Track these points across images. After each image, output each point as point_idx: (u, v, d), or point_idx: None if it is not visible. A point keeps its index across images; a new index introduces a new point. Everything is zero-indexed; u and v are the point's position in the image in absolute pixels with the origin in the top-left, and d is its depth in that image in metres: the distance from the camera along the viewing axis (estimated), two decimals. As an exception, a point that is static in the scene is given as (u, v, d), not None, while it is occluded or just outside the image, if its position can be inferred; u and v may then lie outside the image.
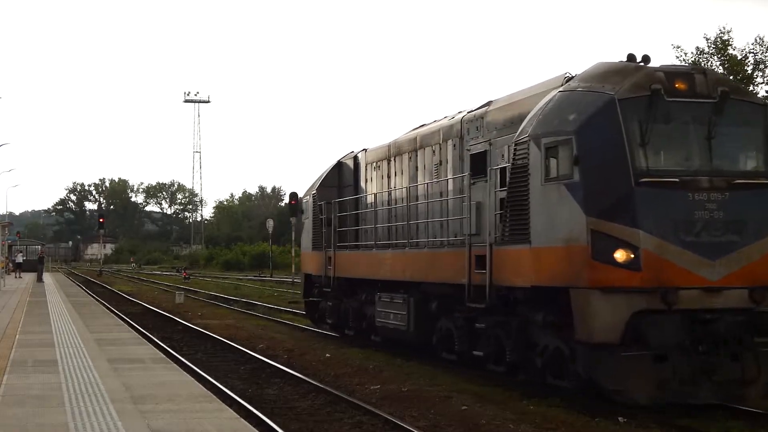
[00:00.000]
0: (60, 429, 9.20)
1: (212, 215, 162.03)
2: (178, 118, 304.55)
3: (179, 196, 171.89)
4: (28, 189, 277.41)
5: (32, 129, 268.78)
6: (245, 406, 12.09)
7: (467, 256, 14.59)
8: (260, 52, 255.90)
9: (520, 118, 13.69)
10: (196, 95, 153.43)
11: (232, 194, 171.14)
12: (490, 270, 13.78)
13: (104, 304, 32.11)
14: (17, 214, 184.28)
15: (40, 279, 52.43)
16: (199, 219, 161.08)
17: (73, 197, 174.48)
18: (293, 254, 60.60)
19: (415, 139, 18.20)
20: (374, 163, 20.18)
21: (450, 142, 16.49)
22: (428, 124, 18.19)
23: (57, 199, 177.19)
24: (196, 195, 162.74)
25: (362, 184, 20.90)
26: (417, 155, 17.91)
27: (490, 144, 14.69)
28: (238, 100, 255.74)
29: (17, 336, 18.85)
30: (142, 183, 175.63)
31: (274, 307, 32.78)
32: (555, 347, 12.77)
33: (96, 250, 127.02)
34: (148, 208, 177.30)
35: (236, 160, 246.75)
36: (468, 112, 16.13)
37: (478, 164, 14.89)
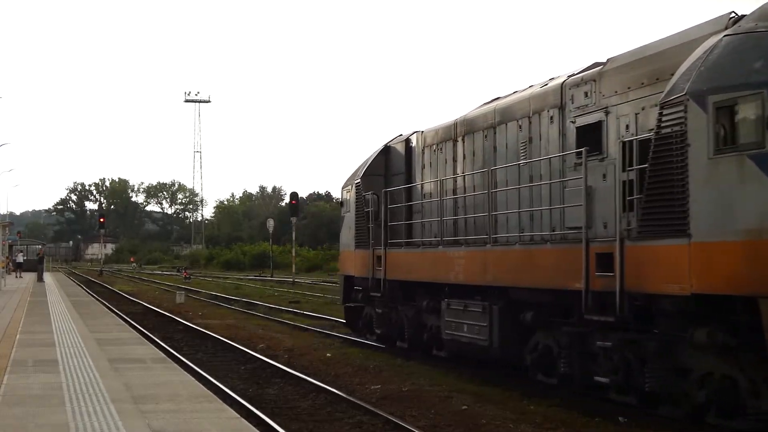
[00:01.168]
0: (60, 429, 9.20)
1: (213, 215, 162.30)
2: (179, 118, 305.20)
3: (180, 195, 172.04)
4: (29, 189, 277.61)
5: (33, 129, 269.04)
6: (246, 406, 12.11)
7: (584, 255, 11.60)
8: (261, 51, 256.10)
9: (658, 74, 11.11)
10: (196, 95, 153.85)
11: (232, 194, 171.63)
12: (621, 273, 10.87)
13: (105, 304, 32.12)
14: (18, 213, 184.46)
15: (40, 279, 52.43)
16: (199, 219, 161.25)
17: (74, 197, 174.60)
18: (293, 254, 60.72)
19: (493, 113, 15.30)
20: (434, 146, 17.33)
21: (545, 113, 13.60)
22: (509, 95, 15.30)
23: (57, 199, 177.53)
24: (197, 195, 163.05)
25: (417, 170, 18.11)
26: (496, 133, 15.07)
27: (607, 112, 12.10)
28: (238, 99, 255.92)
29: (18, 336, 18.85)
30: (142, 183, 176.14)
31: (275, 307, 32.79)
32: (725, 376, 10.04)
33: (96, 250, 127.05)
34: (148, 208, 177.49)
35: (237, 159, 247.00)
36: (571, 76, 13.16)
37: (589, 139, 12.23)
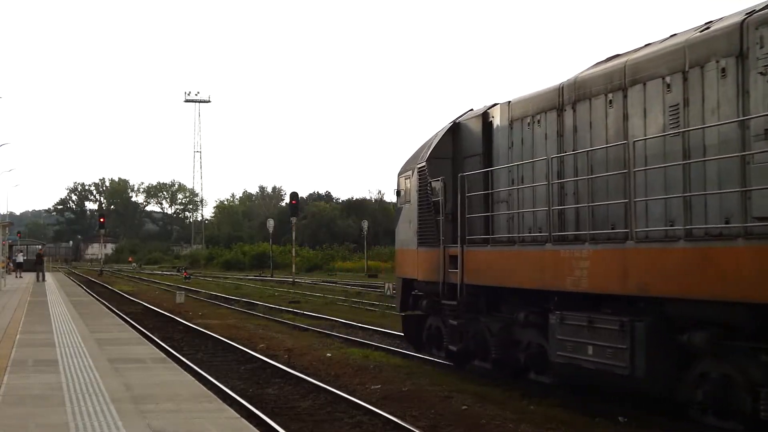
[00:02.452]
0: (60, 429, 9.20)
1: (213, 215, 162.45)
2: (179, 118, 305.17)
3: (180, 195, 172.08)
4: (29, 189, 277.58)
5: (33, 129, 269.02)
6: (246, 406, 12.11)
7: None
8: (261, 51, 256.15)
9: None
10: (196, 95, 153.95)
11: (232, 194, 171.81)
12: None
13: (105, 304, 32.12)
14: (18, 213, 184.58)
15: (41, 278, 52.44)
16: (199, 219, 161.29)
17: (74, 197, 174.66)
18: (293, 254, 60.75)
19: (621, 71, 11.88)
20: (527, 119, 13.98)
21: (711, 65, 10.28)
22: (642, 48, 11.94)
23: (57, 199, 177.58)
24: (197, 195, 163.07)
25: (500, 150, 14.71)
26: (627, 96, 11.72)
27: None
28: (238, 99, 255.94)
29: (18, 336, 18.85)
30: (142, 183, 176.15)
31: (275, 307, 32.79)
32: None
33: (96, 250, 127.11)
34: (148, 208, 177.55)
35: (237, 159, 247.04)
36: (755, 12, 9.84)
37: None
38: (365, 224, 76.29)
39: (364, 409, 12.23)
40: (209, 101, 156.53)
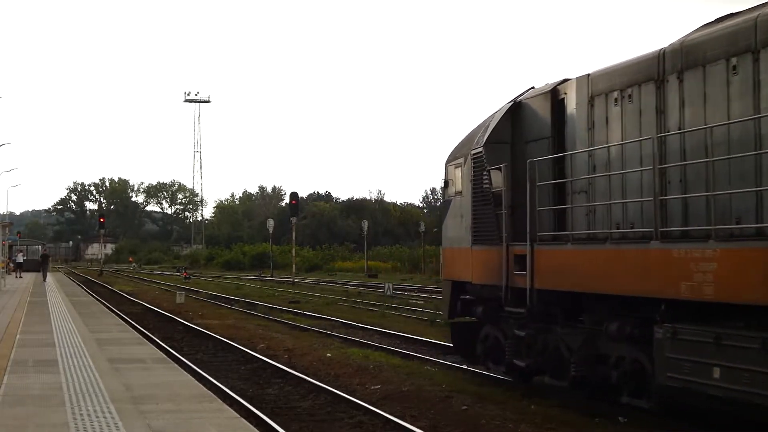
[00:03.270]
0: (60, 429, 9.20)
1: (213, 215, 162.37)
2: (179, 118, 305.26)
3: (180, 196, 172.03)
4: (29, 189, 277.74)
5: (33, 129, 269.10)
6: (246, 406, 12.12)
7: None
8: (260, 51, 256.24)
9: None
10: (196, 95, 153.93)
11: (232, 194, 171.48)
12: None
13: (105, 304, 32.12)
14: (18, 213, 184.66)
15: (44, 278, 52.47)
16: (199, 219, 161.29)
17: (74, 197, 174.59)
18: (293, 254, 60.78)
19: (750, 29, 9.68)
20: (614, 94, 11.75)
21: None
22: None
23: (57, 199, 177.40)
24: (197, 195, 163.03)
25: (577, 132, 12.52)
26: (758, 60, 9.55)
27: None
28: (238, 99, 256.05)
29: (18, 336, 18.85)
30: (142, 183, 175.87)
31: (275, 307, 32.79)
32: None
33: (96, 250, 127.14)
34: (148, 208, 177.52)
35: (237, 159, 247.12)
36: None
37: None
38: (365, 224, 76.29)
39: (364, 409, 12.23)
40: (209, 101, 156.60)
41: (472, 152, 14.38)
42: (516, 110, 14.00)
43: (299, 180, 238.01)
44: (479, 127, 14.87)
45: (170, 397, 11.13)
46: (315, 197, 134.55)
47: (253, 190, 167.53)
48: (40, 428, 9.24)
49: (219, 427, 9.31)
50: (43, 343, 17.46)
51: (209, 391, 12.04)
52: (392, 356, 17.95)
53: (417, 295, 40.96)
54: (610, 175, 11.60)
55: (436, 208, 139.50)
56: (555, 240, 12.47)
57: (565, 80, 13.13)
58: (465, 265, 14.66)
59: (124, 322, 24.42)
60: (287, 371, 15.94)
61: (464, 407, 12.33)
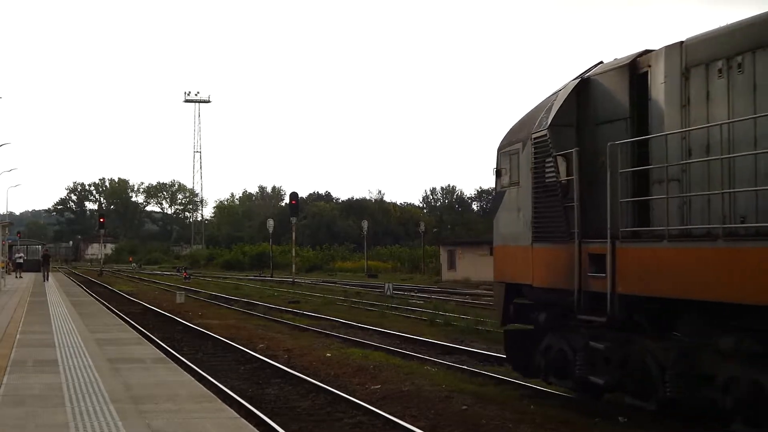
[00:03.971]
0: (60, 429, 9.20)
1: (213, 215, 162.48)
2: (179, 118, 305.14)
3: (180, 196, 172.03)
4: (29, 189, 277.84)
5: (33, 129, 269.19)
6: (245, 406, 12.12)
7: None
8: (260, 51, 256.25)
9: None
10: (196, 95, 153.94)
11: (232, 194, 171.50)
12: None
13: (105, 304, 32.12)
14: (18, 213, 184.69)
15: (46, 278, 52.49)
16: (199, 219, 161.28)
17: (74, 197, 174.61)
18: (293, 254, 60.80)
19: None
20: (717, 64, 9.91)
21: None
22: None
23: (57, 199, 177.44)
24: (197, 195, 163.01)
25: (664, 111, 10.68)
26: None
27: None
28: (238, 99, 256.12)
29: (18, 336, 18.85)
30: (142, 183, 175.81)
31: (275, 307, 32.81)
32: None
33: (96, 250, 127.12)
34: (148, 208, 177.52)
35: (237, 159, 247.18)
36: None
37: None
38: (365, 224, 76.31)
39: (363, 409, 12.24)
40: (209, 101, 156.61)
41: (533, 136, 12.63)
42: (582, 88, 12.24)
43: (299, 180, 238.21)
44: (538, 108, 13.10)
45: (170, 397, 11.13)
46: (315, 197, 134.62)
47: (253, 190, 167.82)
48: (40, 428, 9.24)
49: (219, 427, 9.32)
50: (43, 343, 17.46)
51: (209, 391, 12.03)
52: (392, 356, 17.95)
53: (417, 295, 40.98)
54: (715, 159, 9.65)
55: (436, 208, 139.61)
56: (640, 236, 10.59)
57: (647, 51, 11.32)
58: (523, 266, 12.94)
59: (124, 322, 24.41)
60: (287, 371, 15.95)
61: (464, 407, 12.33)
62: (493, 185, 14.49)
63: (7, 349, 16.18)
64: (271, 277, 67.22)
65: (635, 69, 11.37)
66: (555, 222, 12.05)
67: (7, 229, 56.14)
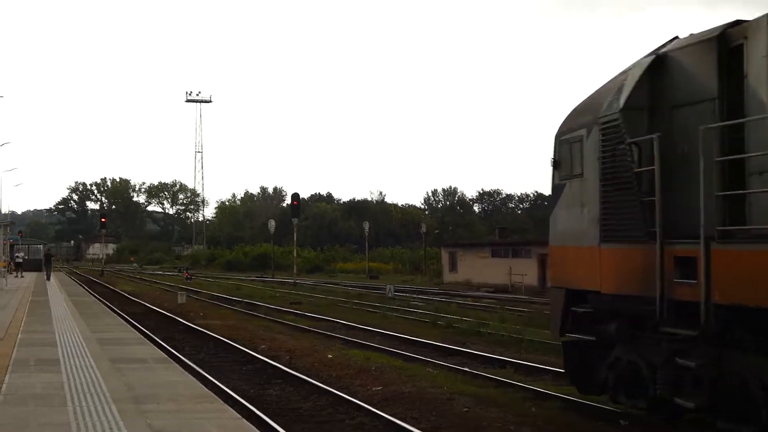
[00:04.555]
0: (62, 428, 9.19)
1: (214, 215, 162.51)
2: (180, 118, 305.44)
3: (181, 196, 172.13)
4: (31, 188, 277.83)
5: (35, 128, 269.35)
6: (247, 407, 12.12)
7: None
8: (262, 51, 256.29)
9: None
10: (197, 95, 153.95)
11: (233, 194, 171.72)
12: None
13: (106, 304, 32.12)
14: (19, 213, 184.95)
15: (48, 277, 52.51)
16: (200, 219, 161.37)
17: (75, 197, 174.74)
18: (295, 255, 60.81)
19: None
20: None
21: None
22: None
23: (59, 199, 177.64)
24: (198, 195, 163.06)
25: (761, 90, 9.26)
26: None
27: None
28: (239, 99, 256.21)
29: (19, 335, 18.84)
30: (144, 183, 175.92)
31: (276, 308, 32.80)
32: None
33: (98, 250, 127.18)
34: (150, 208, 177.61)
35: (238, 160, 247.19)
36: None
37: None
38: (366, 225, 76.33)
39: (365, 410, 12.23)
40: (210, 101, 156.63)
41: (601, 121, 11.18)
42: (657, 67, 10.77)
43: (300, 181, 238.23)
44: (604, 90, 11.69)
45: (171, 397, 11.12)
46: (316, 198, 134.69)
47: (255, 190, 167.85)
48: (42, 427, 9.24)
49: (220, 427, 9.31)
50: (44, 342, 17.44)
51: (210, 392, 12.02)
52: (393, 358, 17.94)
53: (418, 297, 40.97)
54: None
55: (437, 209, 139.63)
56: (734, 236, 9.18)
57: (739, 22, 9.95)
58: (588, 269, 11.51)
59: (125, 322, 24.39)
60: (288, 372, 15.94)
61: (465, 409, 12.32)
62: (550, 179, 12.90)
63: (8, 348, 16.18)
64: (273, 278, 67.24)
65: (725, 43, 9.88)
66: (629, 219, 10.60)
67: (8, 228, 56.16)
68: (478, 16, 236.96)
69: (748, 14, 10.12)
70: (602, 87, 11.85)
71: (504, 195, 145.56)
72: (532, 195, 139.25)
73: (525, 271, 53.12)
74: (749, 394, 9.18)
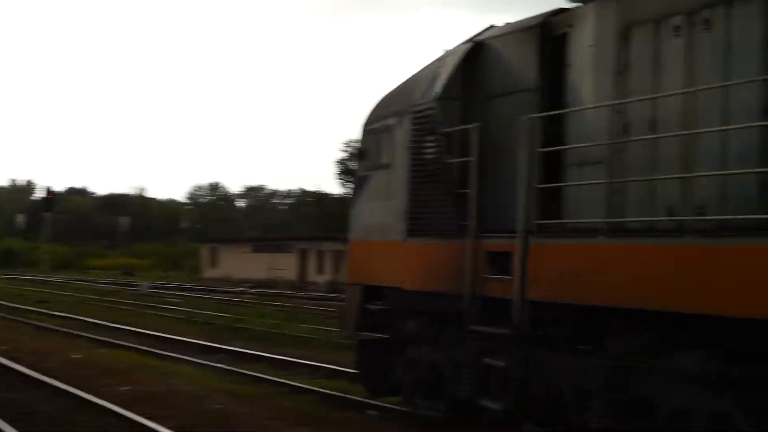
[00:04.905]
0: None
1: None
2: None
3: None
4: None
5: None
6: (-21, 414, 11.26)
7: None
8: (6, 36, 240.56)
9: None
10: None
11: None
12: None
13: None
14: None
15: None
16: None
17: None
18: (43, 250, 57.70)
19: None
20: (672, 21, 7.88)
21: None
22: None
23: None
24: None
25: (590, 79, 8.72)
26: None
27: None
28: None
29: None
30: None
31: (21, 307, 30.92)
32: None
33: None
34: None
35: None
36: None
37: None
38: (123, 220, 73.82)
39: (111, 411, 11.73)
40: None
41: (414, 110, 10.55)
42: (474, 55, 10.20)
43: (55, 174, 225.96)
44: (418, 77, 11.05)
45: None
46: (72, 192, 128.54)
47: (2, 182, 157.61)
48: None
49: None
50: None
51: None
52: (147, 356, 17.43)
53: (176, 293, 40.13)
54: (664, 137, 7.68)
55: (201, 205, 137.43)
56: (548, 230, 8.64)
57: (563, 10, 9.37)
58: (392, 265, 10.83)
59: None
60: (30, 374, 15.00)
61: (219, 406, 12.14)
62: (360, 168, 11.96)
63: None
64: (21, 275, 63.49)
65: (547, 31, 9.34)
66: (440, 212, 9.99)
67: None
68: (249, 14, 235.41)
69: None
70: (415, 75, 11.31)
71: (269, 191, 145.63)
72: (297, 191, 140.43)
73: (286, 266, 53.49)
74: (560, 395, 8.61)
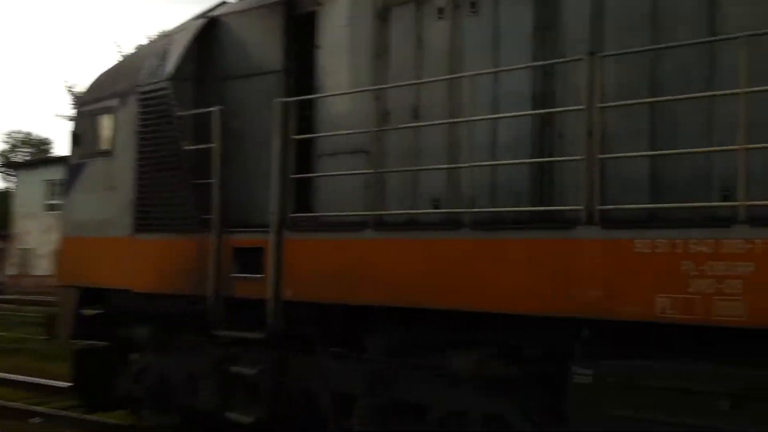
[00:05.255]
0: None
1: None
2: None
3: None
4: None
5: None
6: None
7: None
8: None
9: None
10: None
11: None
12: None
13: None
14: None
15: None
16: None
17: None
18: None
19: None
20: (436, 2, 7.33)
21: None
22: None
23: None
24: None
25: (344, 62, 8.09)
26: None
27: None
28: None
29: None
30: None
31: None
32: None
33: None
34: None
35: None
36: None
37: None
38: None
39: None
40: None
41: (141, 90, 9.55)
42: (208, 31, 9.39)
43: None
44: (145, 54, 10.15)
45: None
46: None
47: None
48: None
49: None
50: None
51: None
52: None
53: None
54: (425, 126, 7.19)
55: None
56: (312, 224, 7.88)
57: None
58: (117, 264, 9.68)
59: None
60: None
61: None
62: (73, 155, 10.72)
63: None
64: None
65: (293, 8, 8.68)
66: (175, 205, 9.07)
67: None
68: None
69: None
70: (140, 52, 10.39)
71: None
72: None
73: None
74: (317, 404, 7.93)
